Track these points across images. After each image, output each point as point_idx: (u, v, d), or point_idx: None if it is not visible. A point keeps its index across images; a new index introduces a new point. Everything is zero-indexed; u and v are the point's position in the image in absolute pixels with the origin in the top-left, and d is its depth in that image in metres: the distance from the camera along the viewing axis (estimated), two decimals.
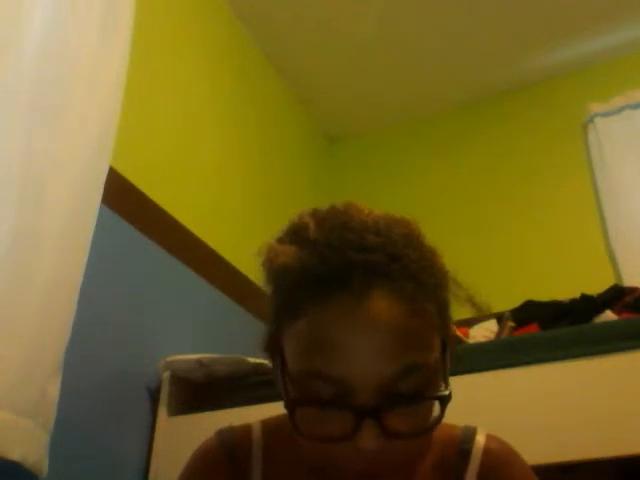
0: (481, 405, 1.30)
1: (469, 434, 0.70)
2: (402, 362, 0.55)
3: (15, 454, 1.09)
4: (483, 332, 1.71)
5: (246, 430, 0.73)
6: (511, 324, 1.65)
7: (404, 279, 0.57)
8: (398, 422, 0.55)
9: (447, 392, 0.57)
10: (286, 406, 0.58)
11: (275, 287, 0.63)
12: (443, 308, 0.61)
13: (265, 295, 0.64)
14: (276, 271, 0.61)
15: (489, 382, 1.33)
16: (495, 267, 2.35)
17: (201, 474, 0.71)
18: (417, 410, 0.57)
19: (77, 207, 1.31)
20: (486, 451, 0.68)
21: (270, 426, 0.73)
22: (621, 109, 2.40)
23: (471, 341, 1.67)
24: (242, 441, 0.72)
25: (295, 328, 0.58)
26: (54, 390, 1.20)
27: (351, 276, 0.56)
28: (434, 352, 0.58)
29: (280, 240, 0.63)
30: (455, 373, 1.48)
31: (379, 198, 2.76)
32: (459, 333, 1.68)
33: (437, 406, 0.58)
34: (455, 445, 0.69)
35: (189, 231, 1.87)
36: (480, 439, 0.69)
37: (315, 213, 0.65)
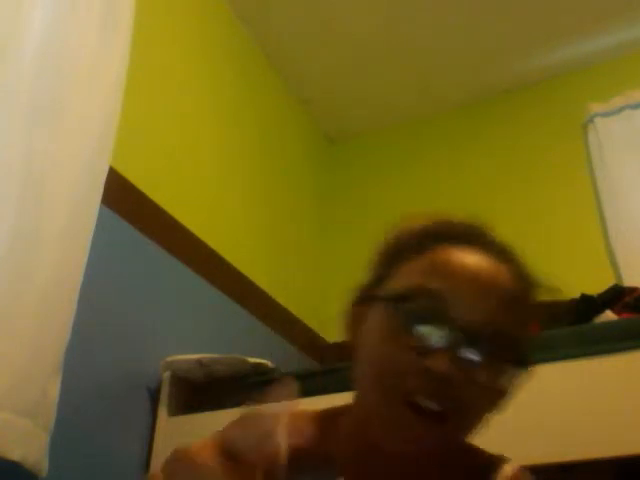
0: None
1: (498, 460, 0.69)
2: (506, 319, 0.60)
3: (15, 454, 1.09)
4: None
5: None
6: None
7: (522, 268, 0.66)
8: (473, 365, 0.58)
9: (525, 372, 0.61)
10: (391, 306, 0.60)
11: (399, 240, 0.67)
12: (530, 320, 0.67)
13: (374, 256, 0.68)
14: (409, 230, 0.67)
15: None
16: None
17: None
18: (493, 371, 0.59)
19: (77, 207, 1.31)
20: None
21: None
22: (621, 109, 2.39)
23: None
24: None
25: (417, 261, 0.63)
26: (54, 390, 1.20)
27: (489, 242, 0.65)
28: (522, 337, 0.63)
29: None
30: None
31: (379, 198, 2.78)
32: None
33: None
34: (481, 468, 0.68)
35: (189, 231, 1.87)
36: (508, 468, 0.68)
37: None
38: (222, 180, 2.17)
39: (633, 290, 1.64)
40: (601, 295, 1.64)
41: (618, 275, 2.09)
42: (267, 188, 2.42)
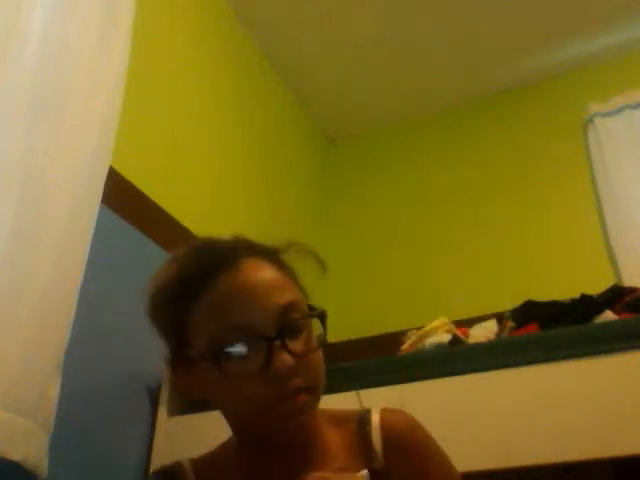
0: (481, 405, 1.30)
1: (364, 413, 0.81)
2: (285, 299, 0.73)
3: (15, 454, 1.09)
4: (483, 332, 1.71)
5: (177, 465, 0.82)
6: (511, 324, 1.65)
7: (268, 254, 0.79)
8: (298, 346, 0.71)
9: (321, 312, 0.75)
10: (213, 362, 0.70)
11: (165, 296, 0.75)
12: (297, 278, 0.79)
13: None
14: (163, 282, 0.76)
15: (489, 382, 1.33)
16: (495, 267, 2.35)
17: None
18: (308, 335, 0.73)
19: (77, 207, 1.31)
20: (382, 421, 0.79)
21: (197, 460, 0.83)
22: (621, 109, 2.39)
23: (471, 341, 1.67)
24: (177, 472, 0.81)
25: (198, 308, 0.72)
26: (54, 390, 1.20)
27: (234, 256, 0.75)
28: (302, 298, 0.76)
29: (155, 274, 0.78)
30: (455, 373, 1.48)
31: (379, 198, 2.78)
32: (459, 333, 1.68)
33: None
34: (355, 426, 0.80)
35: (189, 231, 1.87)
36: (375, 416, 0.80)
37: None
38: (222, 180, 2.17)
39: (633, 290, 1.64)
40: (601, 295, 1.64)
41: (618, 275, 2.09)
42: (267, 188, 2.42)
